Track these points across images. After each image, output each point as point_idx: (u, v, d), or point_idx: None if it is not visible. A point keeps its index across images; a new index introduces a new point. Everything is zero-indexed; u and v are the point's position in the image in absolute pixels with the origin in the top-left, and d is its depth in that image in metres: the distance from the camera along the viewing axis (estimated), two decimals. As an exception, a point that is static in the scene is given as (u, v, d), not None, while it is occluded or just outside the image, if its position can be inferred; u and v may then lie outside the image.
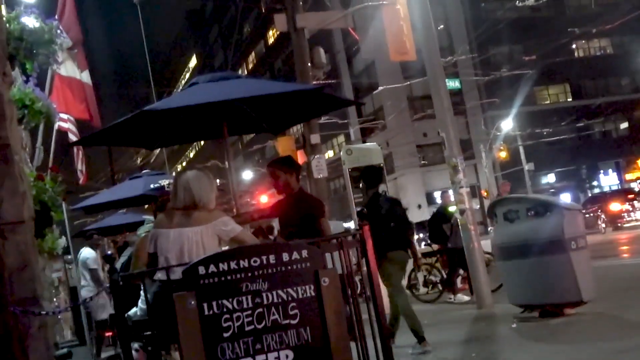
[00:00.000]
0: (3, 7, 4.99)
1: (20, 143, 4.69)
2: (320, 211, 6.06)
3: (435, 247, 13.59)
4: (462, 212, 10.61)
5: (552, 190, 44.71)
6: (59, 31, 5.23)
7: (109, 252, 11.48)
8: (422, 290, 13.50)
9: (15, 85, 5.08)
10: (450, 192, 11.40)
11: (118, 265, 9.49)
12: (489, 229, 13.20)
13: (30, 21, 5.01)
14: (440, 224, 12.60)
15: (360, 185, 9.06)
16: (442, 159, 11.74)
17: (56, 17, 7.42)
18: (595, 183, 50.66)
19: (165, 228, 4.74)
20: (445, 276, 12.81)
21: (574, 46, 50.31)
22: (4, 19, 4.73)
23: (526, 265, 7.94)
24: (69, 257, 14.40)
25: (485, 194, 41.31)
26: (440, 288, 12.96)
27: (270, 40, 60.60)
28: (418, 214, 39.48)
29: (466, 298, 11.92)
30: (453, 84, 43.19)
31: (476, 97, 45.32)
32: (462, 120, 44.20)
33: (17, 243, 4.15)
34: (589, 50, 53.11)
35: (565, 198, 32.23)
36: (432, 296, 12.92)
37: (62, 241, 7.20)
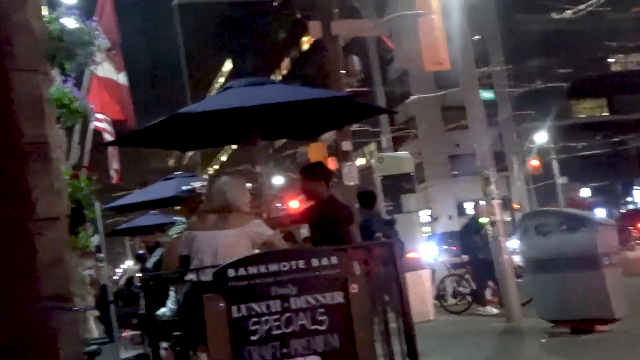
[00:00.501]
0: (44, 8, 5.09)
1: (57, 142, 4.76)
2: (350, 218, 6.05)
3: (465, 258, 13.48)
4: (492, 223, 10.52)
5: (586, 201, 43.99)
6: (97, 32, 5.31)
7: (141, 252, 11.60)
8: (451, 301, 13.39)
9: (54, 85, 5.16)
10: (483, 203, 11.32)
11: (149, 265, 9.59)
12: (512, 240, 13.03)
13: (70, 22, 5.09)
14: (471, 235, 12.50)
15: (357, 206, 9.48)
16: (473, 170, 11.63)
17: (95, 18, 7.53)
18: (629, 199, 49.83)
19: (199, 230, 4.78)
20: (474, 288, 12.69)
21: (611, 60, 49.61)
22: (45, 19, 4.81)
23: (557, 280, 7.84)
24: (101, 255, 14.56)
25: (517, 206, 40.85)
26: (469, 300, 12.84)
27: (304, 47, 60.77)
28: (448, 224, 39.18)
29: (495, 311, 11.79)
30: (487, 94, 42.84)
31: (510, 109, 44.91)
32: (495, 131, 43.78)
33: (51, 239, 4.20)
34: (626, 64, 52.32)
35: (600, 213, 31.75)
36: (460, 307, 12.80)
37: (95, 239, 7.28)
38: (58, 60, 5.13)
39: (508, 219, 33.87)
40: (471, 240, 12.48)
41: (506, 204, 38.19)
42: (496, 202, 10.59)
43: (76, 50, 5.06)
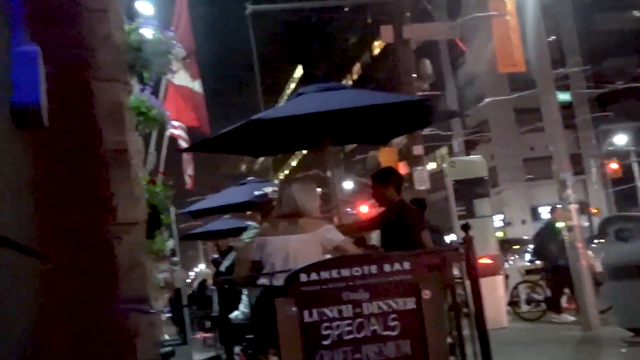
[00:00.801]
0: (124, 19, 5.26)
1: (136, 148, 4.91)
2: (420, 224, 6.01)
3: (539, 264, 13.17)
4: (569, 229, 10.25)
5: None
6: (174, 42, 5.45)
7: (216, 256, 11.81)
8: (524, 307, 13.10)
9: (132, 93, 5.33)
10: (560, 207, 11.03)
11: (222, 268, 9.77)
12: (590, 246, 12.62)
13: (149, 32, 5.25)
14: (546, 241, 12.19)
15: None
16: (549, 174, 11.38)
17: (172, 28, 7.73)
18: None
19: (270, 236, 4.84)
20: (549, 294, 12.38)
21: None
22: (125, 30, 4.98)
23: (639, 287, 7.57)
24: (175, 259, 14.94)
25: (595, 211, 39.60)
26: (544, 307, 12.53)
27: (375, 51, 60.66)
28: (522, 229, 38.33)
29: (571, 318, 11.47)
30: (563, 96, 41.71)
31: (587, 111, 43.62)
32: (572, 134, 42.62)
33: (129, 244, 4.33)
34: None
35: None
36: (534, 314, 12.51)
37: (170, 243, 7.47)
38: (136, 70, 5.29)
39: (585, 223, 32.85)
40: (547, 246, 12.17)
41: (583, 209, 37.12)
42: (573, 207, 10.33)
43: (154, 59, 5.21)
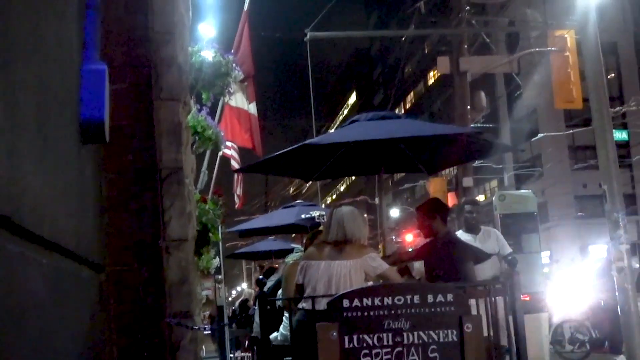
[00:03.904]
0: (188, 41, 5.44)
1: (190, 167, 5.05)
2: (466, 256, 5.98)
3: (585, 303, 12.87)
4: (619, 270, 10.02)
5: None
6: (234, 65, 5.59)
7: (261, 277, 11.91)
8: (568, 347, 12.80)
9: (190, 113, 5.49)
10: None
11: (265, 289, 9.83)
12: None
13: (210, 54, 5.40)
14: (604, 279, 11.90)
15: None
16: (601, 212, 11.16)
17: (232, 51, 7.93)
18: None
19: (315, 260, 4.87)
20: (594, 335, 12.07)
21: None
22: (188, 52, 5.15)
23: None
24: (220, 276, 15.09)
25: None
26: (588, 347, 12.22)
27: (430, 81, 60.56)
28: (570, 267, 37.43)
29: (620, 360, 11.16)
30: (620, 135, 40.90)
31: (645, 151, 42.59)
32: (627, 173, 41.65)
33: (179, 259, 4.44)
34: None
35: None
36: (578, 355, 12.20)
37: (216, 261, 7.57)
38: (196, 90, 5.44)
39: (637, 265, 31.92)
40: (603, 285, 11.89)
41: (636, 250, 36.15)
42: (624, 247, 10.11)
43: (214, 81, 5.35)
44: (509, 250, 7.02)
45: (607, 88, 11.34)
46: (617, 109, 28.18)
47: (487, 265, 6.48)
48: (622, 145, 40.42)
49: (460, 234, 6.92)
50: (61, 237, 2.40)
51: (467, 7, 16.52)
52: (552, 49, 15.32)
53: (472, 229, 7.08)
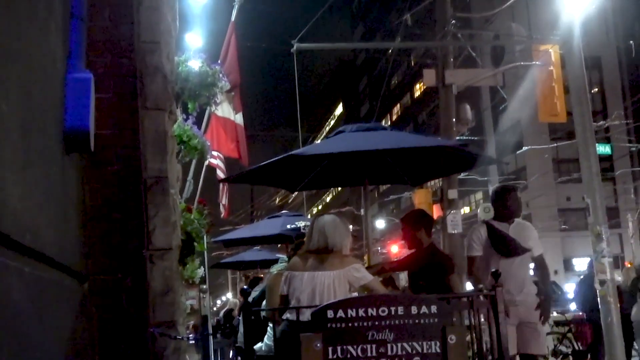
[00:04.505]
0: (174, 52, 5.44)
1: (176, 176, 5.04)
2: (450, 267, 6.00)
3: (569, 316, 12.94)
4: (602, 283, 10.08)
5: None
6: (220, 75, 5.58)
7: (245, 287, 11.88)
8: (551, 359, 12.84)
9: (175, 122, 5.48)
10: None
11: (250, 299, 9.80)
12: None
13: (196, 64, 5.40)
14: (588, 292, 11.94)
15: None
16: (584, 225, 11.21)
17: (219, 61, 7.93)
18: None
19: (299, 271, 4.87)
20: (577, 348, 12.13)
21: None
22: (174, 61, 5.15)
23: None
24: (204, 286, 15.03)
25: (629, 265, 38.75)
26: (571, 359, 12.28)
27: (417, 94, 60.88)
28: (554, 279, 37.65)
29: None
30: (603, 149, 41.30)
31: (628, 164, 43.01)
32: (610, 187, 42.04)
33: (163, 269, 4.42)
34: None
35: None
36: (559, 367, 12.26)
37: (201, 271, 7.54)
38: (182, 100, 5.44)
39: (619, 278, 32.06)
40: (588, 297, 11.93)
41: (619, 263, 36.39)
42: (607, 261, 10.17)
43: (200, 91, 5.34)
44: (540, 251, 6.40)
45: (591, 102, 11.45)
46: (601, 123, 28.44)
47: (517, 261, 6.07)
48: (605, 159, 40.80)
49: (493, 221, 6.26)
50: (44, 246, 2.39)
51: (453, 21, 16.63)
52: (537, 62, 15.46)
53: (503, 218, 6.25)
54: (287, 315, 4.80)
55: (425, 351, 4.11)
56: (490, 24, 21.16)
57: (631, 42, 31.02)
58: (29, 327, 2.20)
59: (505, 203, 6.19)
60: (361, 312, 4.11)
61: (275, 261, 8.21)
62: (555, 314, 15.82)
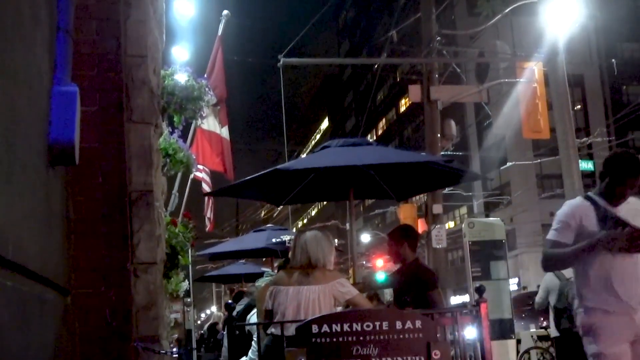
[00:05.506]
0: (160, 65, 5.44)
1: (161, 189, 5.02)
2: (432, 283, 6.01)
3: (551, 331, 12.97)
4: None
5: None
6: (207, 89, 5.59)
7: (230, 302, 11.84)
8: (533, 375, 12.88)
9: (161, 136, 5.47)
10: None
11: (234, 313, 9.75)
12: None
13: (183, 78, 5.41)
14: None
15: None
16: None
17: (206, 75, 7.95)
18: None
19: (284, 285, 4.86)
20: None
21: None
22: (161, 75, 5.15)
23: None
24: (189, 300, 14.95)
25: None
26: (554, 376, 12.31)
27: (402, 109, 61.20)
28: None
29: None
30: (586, 165, 41.65)
31: (610, 181, 43.36)
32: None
33: (147, 283, 4.40)
34: None
35: None
36: (542, 381, 12.29)
37: (185, 284, 7.51)
38: (168, 113, 5.44)
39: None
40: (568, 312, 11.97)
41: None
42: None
43: (186, 105, 5.35)
44: None
45: (574, 119, 11.59)
46: (583, 139, 28.70)
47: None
48: (588, 175, 41.07)
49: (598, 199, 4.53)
50: (26, 259, 2.38)
51: (438, 38, 16.78)
52: (521, 80, 15.60)
53: (611, 197, 4.44)
54: (272, 330, 4.79)
55: (409, 366, 4.11)
56: (475, 41, 21.36)
57: (613, 60, 31.36)
58: (10, 342, 2.18)
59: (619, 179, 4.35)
60: (346, 327, 4.11)
61: (261, 275, 8.19)
62: (540, 329, 15.86)
